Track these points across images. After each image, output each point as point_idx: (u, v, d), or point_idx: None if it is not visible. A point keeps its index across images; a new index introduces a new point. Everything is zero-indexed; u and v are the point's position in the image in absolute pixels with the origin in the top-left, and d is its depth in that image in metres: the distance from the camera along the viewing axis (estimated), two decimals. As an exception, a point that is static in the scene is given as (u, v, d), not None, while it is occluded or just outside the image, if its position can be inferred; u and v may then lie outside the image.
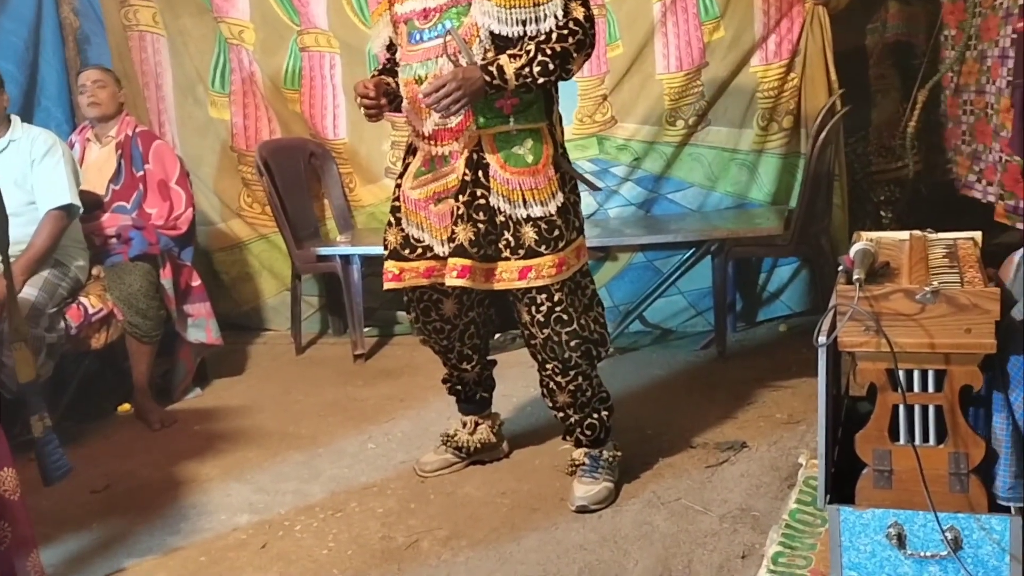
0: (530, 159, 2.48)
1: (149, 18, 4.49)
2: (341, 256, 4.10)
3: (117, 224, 3.64)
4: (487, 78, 2.35)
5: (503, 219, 2.48)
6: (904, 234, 2.21)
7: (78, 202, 3.38)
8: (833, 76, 3.84)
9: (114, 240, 3.62)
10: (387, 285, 2.65)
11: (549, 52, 2.37)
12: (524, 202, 2.47)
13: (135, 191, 3.75)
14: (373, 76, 2.66)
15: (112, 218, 3.68)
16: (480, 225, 2.47)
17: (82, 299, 3.42)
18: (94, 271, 3.55)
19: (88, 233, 3.58)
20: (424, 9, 2.48)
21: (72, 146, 3.82)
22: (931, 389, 1.81)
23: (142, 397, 3.57)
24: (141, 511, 2.82)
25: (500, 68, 2.36)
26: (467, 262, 2.46)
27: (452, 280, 2.47)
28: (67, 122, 4.41)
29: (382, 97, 2.56)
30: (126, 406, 3.66)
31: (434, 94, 2.34)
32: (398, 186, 2.67)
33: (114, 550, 2.60)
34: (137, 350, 3.55)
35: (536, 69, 2.36)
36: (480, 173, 2.48)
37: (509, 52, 2.38)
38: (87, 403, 3.66)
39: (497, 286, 2.52)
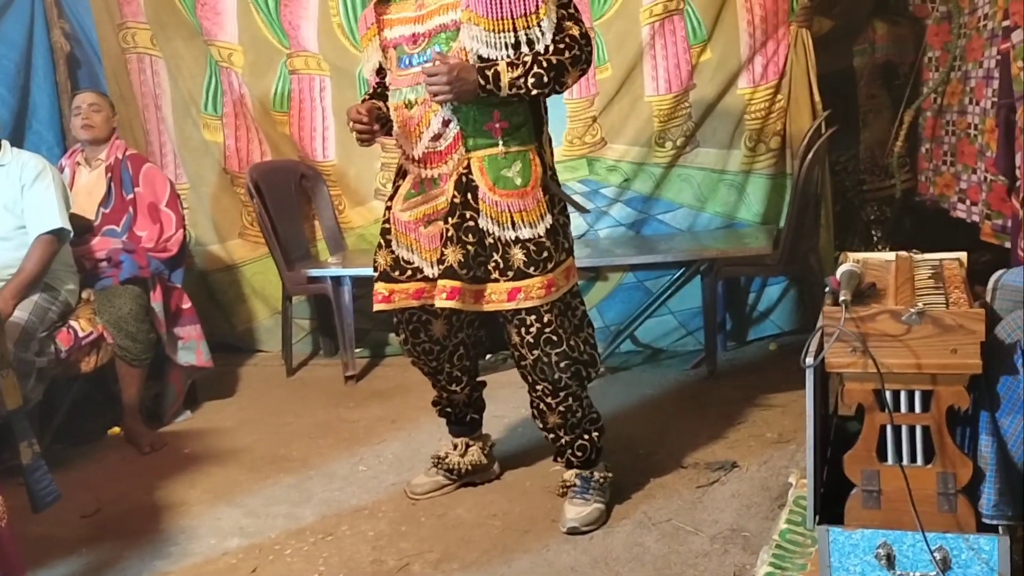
0: (519, 181, 2.49)
1: (147, 40, 4.51)
2: (332, 277, 4.10)
3: (107, 247, 3.64)
4: (481, 81, 2.37)
5: (492, 241, 2.49)
6: (890, 255, 2.23)
7: (68, 226, 3.38)
8: (816, 98, 3.87)
9: (104, 263, 3.62)
10: (377, 307, 2.66)
11: (545, 64, 2.39)
12: (513, 224, 2.48)
13: (125, 214, 3.75)
14: (364, 100, 2.68)
15: (102, 241, 3.68)
16: (469, 247, 2.48)
17: (72, 323, 3.41)
18: (84, 295, 3.55)
19: (78, 257, 3.58)
20: (413, 34, 2.51)
21: (62, 170, 3.83)
22: (918, 409, 1.82)
23: (132, 420, 3.56)
24: (131, 535, 2.81)
25: (496, 75, 2.38)
26: (456, 284, 2.47)
27: (441, 302, 2.48)
28: (58, 145, 4.42)
29: (374, 122, 2.58)
30: (116, 429, 3.65)
31: (432, 78, 2.36)
32: (388, 208, 2.68)
33: (104, 575, 2.59)
34: (127, 373, 3.54)
35: (531, 80, 2.38)
36: (469, 195, 2.50)
37: (508, 60, 2.40)
38: (77, 427, 3.65)
39: (486, 308, 2.52)
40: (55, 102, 4.48)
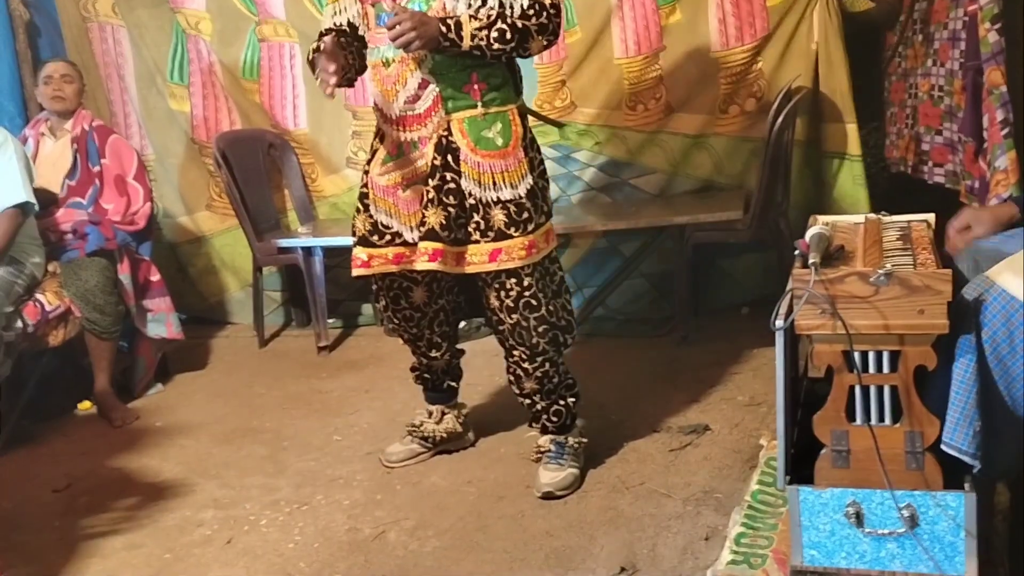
0: (500, 142, 2.50)
1: (108, 8, 4.44)
2: (303, 248, 4.07)
3: (73, 220, 3.59)
4: (443, 29, 2.35)
5: (473, 202, 2.49)
6: (859, 217, 2.24)
7: (33, 199, 3.34)
8: (844, 62, 3.80)
9: (70, 236, 3.57)
10: (356, 272, 2.64)
11: (510, 23, 2.38)
12: (494, 184, 2.48)
13: (91, 186, 3.70)
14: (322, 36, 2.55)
15: (67, 213, 3.63)
16: (450, 209, 2.48)
17: (39, 296, 3.37)
18: (50, 268, 3.50)
19: (43, 229, 3.53)
20: None
21: (25, 140, 3.77)
22: (886, 370, 1.84)
23: (103, 394, 3.54)
24: (103, 509, 2.79)
25: (458, 24, 2.36)
26: (438, 246, 2.47)
27: (423, 264, 2.48)
28: (20, 115, 4.32)
29: (336, 58, 2.42)
30: (87, 404, 3.62)
31: (396, 28, 2.33)
32: (366, 172, 2.66)
33: (77, 549, 2.57)
34: (96, 346, 3.51)
35: (493, 35, 2.37)
36: (450, 157, 2.49)
37: (470, 12, 2.39)
38: (47, 401, 3.61)
39: (468, 270, 2.53)
40: (15, 71, 4.37)
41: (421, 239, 2.50)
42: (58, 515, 2.78)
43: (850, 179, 3.89)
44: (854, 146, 3.87)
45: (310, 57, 2.50)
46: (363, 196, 2.65)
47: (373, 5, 2.51)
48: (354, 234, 2.66)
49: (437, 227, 2.47)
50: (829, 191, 3.96)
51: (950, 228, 2.16)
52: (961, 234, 2.12)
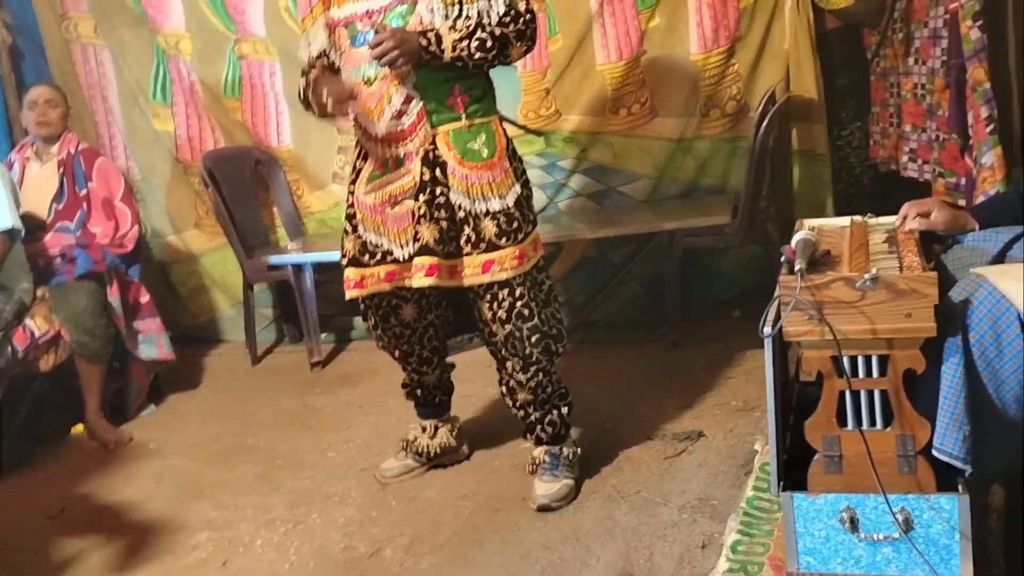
0: (485, 153, 2.51)
1: (90, 30, 4.43)
2: (293, 264, 4.06)
3: (60, 244, 3.58)
4: (423, 42, 2.37)
5: (463, 215, 2.50)
6: (844, 220, 2.25)
7: (20, 225, 3.32)
8: (812, 63, 3.80)
9: (58, 260, 3.56)
10: (349, 294, 2.64)
11: (488, 31, 2.41)
12: (483, 196, 2.50)
13: (78, 210, 3.69)
14: (305, 75, 2.62)
15: (55, 237, 3.61)
16: (442, 223, 2.49)
17: (28, 322, 3.35)
18: (39, 292, 3.48)
19: (31, 254, 3.51)
20: (367, 11, 2.48)
21: (11, 165, 3.75)
22: (875, 374, 1.84)
23: (95, 418, 3.51)
24: (98, 534, 2.77)
25: (438, 36, 2.39)
26: (433, 260, 2.48)
27: (420, 280, 2.48)
28: (5, 140, 4.31)
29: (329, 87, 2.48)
30: (79, 427, 3.60)
31: (378, 48, 2.36)
32: (351, 192, 2.65)
33: (71, 575, 2.56)
34: (87, 370, 3.49)
35: (474, 44, 2.40)
36: (438, 171, 2.50)
37: (448, 24, 2.40)
38: (39, 426, 3.60)
39: (466, 282, 2.53)
40: (-1, 96, 4.37)
41: (416, 255, 2.50)
42: (52, 540, 2.76)
43: (816, 180, 3.91)
44: (821, 146, 3.89)
45: (301, 94, 2.56)
46: (350, 217, 2.65)
47: (346, 27, 2.52)
48: (343, 255, 2.66)
49: (431, 241, 2.47)
50: (795, 191, 3.98)
51: (910, 206, 2.12)
52: (917, 218, 2.10)
